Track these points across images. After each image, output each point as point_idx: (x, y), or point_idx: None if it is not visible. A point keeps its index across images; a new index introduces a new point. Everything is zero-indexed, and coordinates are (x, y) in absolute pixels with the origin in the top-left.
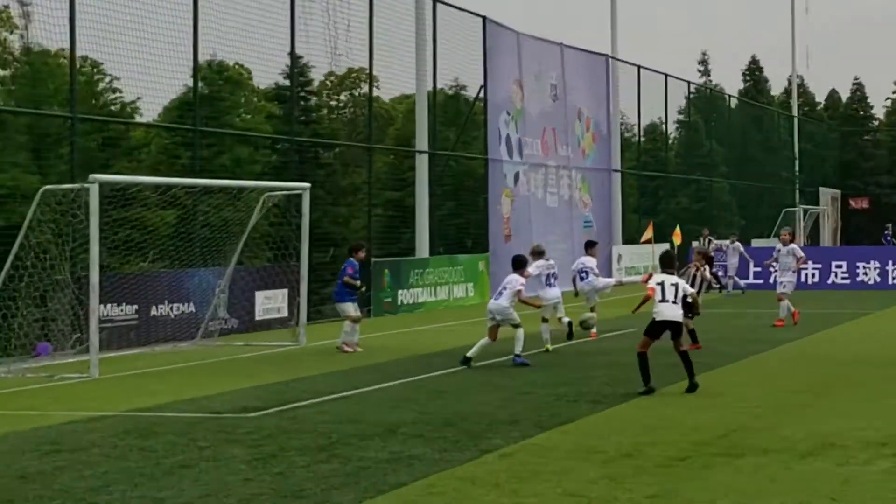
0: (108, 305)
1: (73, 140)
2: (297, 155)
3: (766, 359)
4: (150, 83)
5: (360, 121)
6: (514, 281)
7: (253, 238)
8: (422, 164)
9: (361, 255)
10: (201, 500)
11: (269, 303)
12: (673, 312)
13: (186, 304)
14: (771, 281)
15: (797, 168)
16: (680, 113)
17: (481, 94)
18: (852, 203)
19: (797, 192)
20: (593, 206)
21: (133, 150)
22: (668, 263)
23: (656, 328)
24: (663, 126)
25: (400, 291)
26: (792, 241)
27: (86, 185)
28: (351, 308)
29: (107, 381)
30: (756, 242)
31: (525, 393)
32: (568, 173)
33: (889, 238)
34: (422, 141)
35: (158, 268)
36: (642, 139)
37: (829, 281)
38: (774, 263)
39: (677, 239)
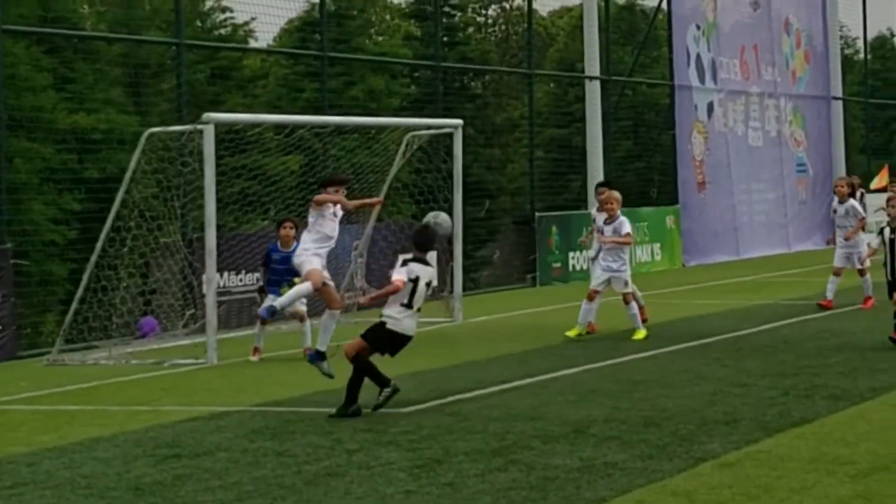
0: (225, 274)
1: (179, 72)
2: (442, 84)
3: None
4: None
5: (515, 41)
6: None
7: (394, 188)
8: (592, 94)
9: (285, 231)
10: None
11: None
12: (413, 326)
13: None
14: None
15: None
16: None
17: (664, 4)
18: None
19: None
20: (808, 145)
21: (247, 82)
22: (426, 245)
23: (391, 342)
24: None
25: (571, 254)
26: (851, 195)
27: (199, 127)
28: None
29: (228, 369)
30: None
31: (741, 385)
32: (775, 102)
33: None
34: (591, 64)
35: None
36: (869, 57)
37: None
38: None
39: (881, 180)
